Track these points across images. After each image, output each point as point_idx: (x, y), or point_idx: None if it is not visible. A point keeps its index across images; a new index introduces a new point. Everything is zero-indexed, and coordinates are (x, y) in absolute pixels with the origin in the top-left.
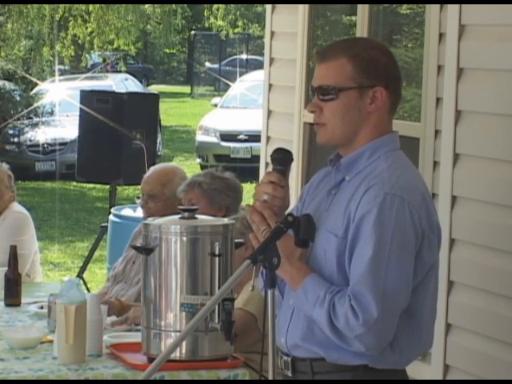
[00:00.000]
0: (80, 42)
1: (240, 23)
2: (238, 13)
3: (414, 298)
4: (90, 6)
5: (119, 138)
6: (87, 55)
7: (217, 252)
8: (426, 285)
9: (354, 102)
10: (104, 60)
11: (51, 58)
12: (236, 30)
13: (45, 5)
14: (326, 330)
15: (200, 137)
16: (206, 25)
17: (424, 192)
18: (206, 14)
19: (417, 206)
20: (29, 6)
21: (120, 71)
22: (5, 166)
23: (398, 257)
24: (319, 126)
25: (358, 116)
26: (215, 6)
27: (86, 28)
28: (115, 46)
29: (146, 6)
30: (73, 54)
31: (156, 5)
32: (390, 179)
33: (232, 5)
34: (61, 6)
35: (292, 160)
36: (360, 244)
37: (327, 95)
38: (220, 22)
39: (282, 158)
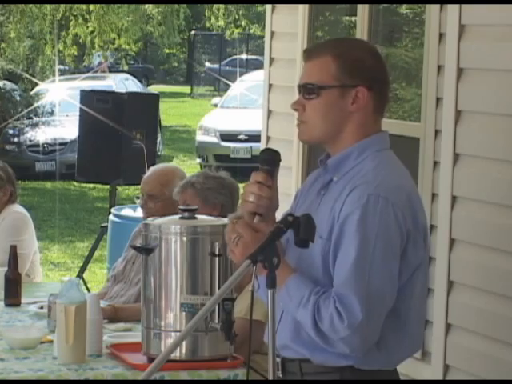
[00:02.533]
0: (81, 41)
1: (242, 23)
2: (240, 12)
3: (399, 299)
4: (91, 6)
5: (119, 138)
6: (89, 55)
7: (217, 252)
8: (411, 285)
9: (336, 100)
10: (106, 59)
11: (54, 58)
12: (238, 31)
13: (46, 5)
14: (310, 332)
15: (200, 137)
16: (207, 25)
17: (410, 192)
18: (207, 14)
19: (401, 206)
20: (30, 5)
21: (122, 71)
22: None
23: (382, 258)
24: (300, 123)
25: (340, 115)
26: (216, 6)
27: (87, 27)
28: (116, 45)
29: (149, 6)
30: (75, 53)
31: (159, 5)
32: (375, 180)
33: (233, 5)
34: (61, 5)
35: (280, 161)
36: (344, 245)
37: (311, 93)
38: (221, 23)
39: (269, 158)
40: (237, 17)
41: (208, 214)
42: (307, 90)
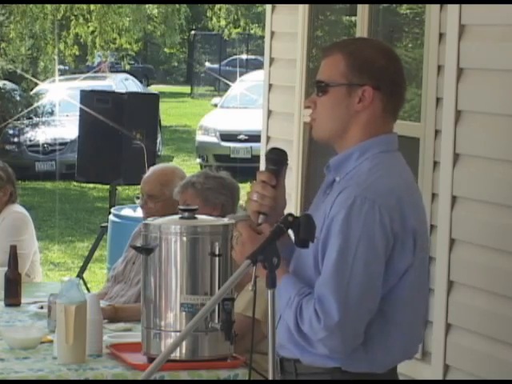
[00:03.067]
0: (83, 41)
1: (242, 23)
2: (240, 13)
3: (387, 302)
4: (92, 5)
5: (119, 138)
6: (92, 54)
7: (217, 252)
8: (399, 288)
9: (342, 98)
10: (106, 59)
11: (57, 57)
12: (237, 31)
13: (47, 4)
14: (294, 333)
15: (200, 137)
16: (210, 25)
17: (401, 195)
18: (208, 14)
19: (389, 209)
20: (30, 5)
21: (122, 71)
22: None
23: (364, 260)
24: (312, 121)
25: (346, 113)
26: (217, 6)
27: (88, 27)
28: (117, 44)
29: (150, 6)
30: (76, 53)
31: (161, 4)
32: (366, 181)
33: (233, 5)
34: (62, 5)
35: (286, 160)
36: (329, 246)
37: (321, 91)
38: (222, 23)
39: (275, 158)
40: (236, 17)
41: (208, 213)
42: (318, 87)
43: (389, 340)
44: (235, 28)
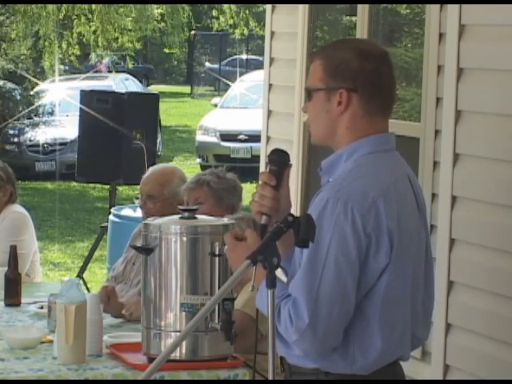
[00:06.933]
0: (85, 40)
1: (250, 23)
2: (247, 11)
3: (367, 302)
4: (93, 5)
5: (119, 138)
6: (93, 53)
7: (217, 252)
8: (378, 288)
9: (323, 103)
10: (109, 58)
11: (60, 57)
12: (246, 31)
13: (49, 4)
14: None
15: (200, 137)
16: (215, 25)
17: (378, 196)
18: (214, 13)
19: (362, 210)
20: (32, 5)
21: (123, 71)
22: None
23: (335, 262)
24: (307, 126)
25: (329, 118)
26: (225, 6)
27: (90, 27)
28: (120, 43)
29: (155, 5)
30: (78, 52)
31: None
32: (342, 183)
33: (239, 5)
34: (64, 5)
35: (288, 161)
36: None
37: (307, 97)
38: (230, 21)
39: (276, 159)
40: (244, 15)
41: (219, 214)
42: (306, 93)
43: (368, 341)
44: (244, 28)
